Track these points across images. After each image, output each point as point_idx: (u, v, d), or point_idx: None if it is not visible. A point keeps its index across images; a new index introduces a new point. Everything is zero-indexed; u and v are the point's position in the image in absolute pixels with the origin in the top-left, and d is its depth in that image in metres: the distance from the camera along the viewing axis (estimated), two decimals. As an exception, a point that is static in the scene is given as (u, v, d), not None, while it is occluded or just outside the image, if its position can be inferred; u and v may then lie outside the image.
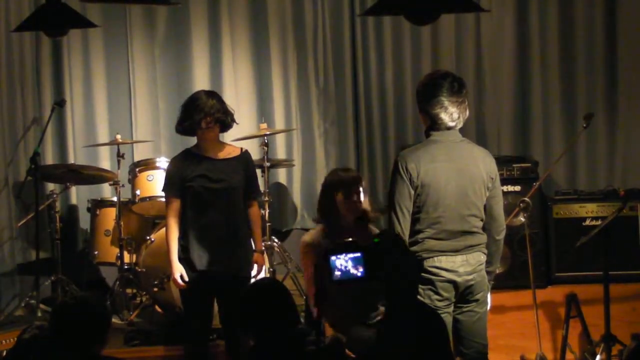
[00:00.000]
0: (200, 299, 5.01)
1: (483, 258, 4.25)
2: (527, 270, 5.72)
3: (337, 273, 3.22)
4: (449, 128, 4.20)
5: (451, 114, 4.18)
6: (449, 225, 4.15)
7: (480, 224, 4.24)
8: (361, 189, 4.71)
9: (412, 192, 4.13)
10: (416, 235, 4.16)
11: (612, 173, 7.10)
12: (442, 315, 4.13)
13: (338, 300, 4.38)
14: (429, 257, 4.14)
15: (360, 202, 4.69)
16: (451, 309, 4.21)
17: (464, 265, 4.18)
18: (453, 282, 4.17)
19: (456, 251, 4.17)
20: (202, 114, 4.90)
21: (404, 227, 4.13)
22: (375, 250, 3.32)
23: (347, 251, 3.23)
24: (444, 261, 4.16)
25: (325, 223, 4.75)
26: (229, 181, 4.98)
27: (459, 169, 4.18)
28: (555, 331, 5.95)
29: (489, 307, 4.36)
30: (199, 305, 5.02)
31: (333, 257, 3.21)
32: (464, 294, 4.22)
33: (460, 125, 4.24)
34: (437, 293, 4.15)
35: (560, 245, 6.21)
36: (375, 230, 4.73)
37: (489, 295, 4.35)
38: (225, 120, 4.99)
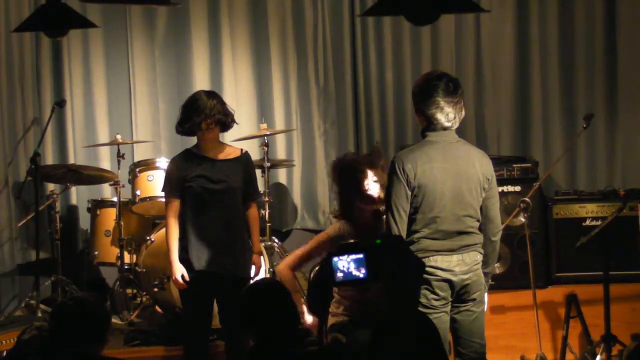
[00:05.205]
0: (199, 299, 5.01)
1: (479, 257, 4.26)
2: (527, 271, 5.71)
3: (339, 274, 3.19)
4: (445, 128, 4.21)
5: (447, 114, 4.18)
6: (445, 225, 4.16)
7: (476, 224, 4.24)
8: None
9: (409, 193, 4.14)
10: (412, 235, 4.17)
11: (612, 173, 7.08)
12: (439, 315, 4.15)
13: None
14: (424, 257, 4.13)
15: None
16: (448, 308, 4.22)
17: (459, 264, 4.18)
18: (449, 282, 4.17)
19: (452, 251, 4.18)
20: (202, 116, 4.90)
21: (400, 228, 4.13)
22: (378, 252, 3.30)
23: (349, 252, 3.21)
24: (439, 260, 4.16)
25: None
26: (229, 182, 4.98)
27: (455, 170, 4.19)
28: (555, 331, 5.95)
29: (485, 308, 4.36)
30: (198, 305, 5.02)
31: (335, 259, 3.19)
32: (460, 294, 4.22)
33: (456, 126, 4.25)
34: (433, 292, 4.16)
35: (560, 245, 6.20)
36: None
37: (485, 295, 4.35)
38: (226, 121, 4.99)
